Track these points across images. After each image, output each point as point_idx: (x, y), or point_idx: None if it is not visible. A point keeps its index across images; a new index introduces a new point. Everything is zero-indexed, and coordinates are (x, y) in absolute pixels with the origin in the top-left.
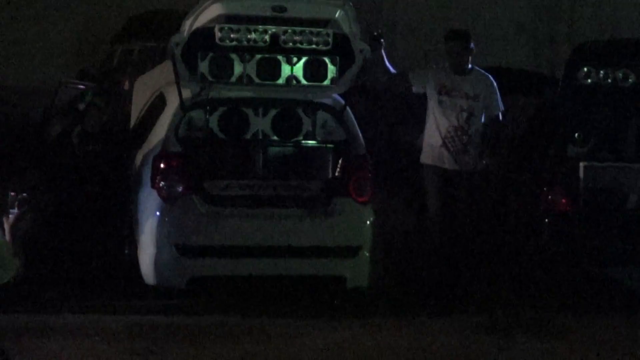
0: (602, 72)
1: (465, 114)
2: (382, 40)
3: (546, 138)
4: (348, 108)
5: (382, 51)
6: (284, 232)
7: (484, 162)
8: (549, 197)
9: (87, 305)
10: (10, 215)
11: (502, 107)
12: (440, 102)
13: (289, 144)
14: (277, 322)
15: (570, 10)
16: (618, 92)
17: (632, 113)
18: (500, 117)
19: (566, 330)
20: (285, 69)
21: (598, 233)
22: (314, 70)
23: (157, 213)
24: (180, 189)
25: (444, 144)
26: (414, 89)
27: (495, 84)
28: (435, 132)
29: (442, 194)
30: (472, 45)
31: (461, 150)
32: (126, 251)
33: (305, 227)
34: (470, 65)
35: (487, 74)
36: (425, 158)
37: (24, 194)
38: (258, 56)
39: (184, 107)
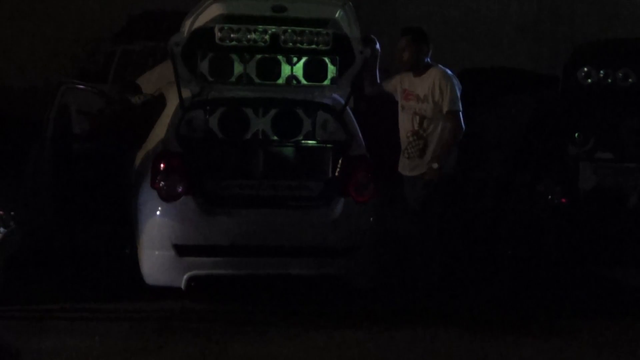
0: (602, 72)
1: (418, 118)
2: (377, 46)
3: (546, 138)
4: (348, 108)
5: (375, 62)
6: (283, 232)
7: (434, 166)
8: (549, 197)
9: (87, 305)
10: None
11: (455, 107)
12: (402, 107)
13: (289, 144)
14: (276, 322)
15: (571, 10)
16: (618, 92)
17: (632, 113)
18: (457, 118)
19: (567, 330)
20: (285, 69)
21: (598, 233)
22: (314, 70)
23: (157, 213)
24: (180, 189)
25: (405, 150)
26: (395, 98)
27: (449, 81)
28: (402, 138)
29: (411, 200)
30: (421, 42)
31: (417, 156)
32: (126, 251)
33: (305, 227)
34: (425, 65)
35: (444, 71)
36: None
37: (12, 213)
38: (258, 56)
39: (184, 107)
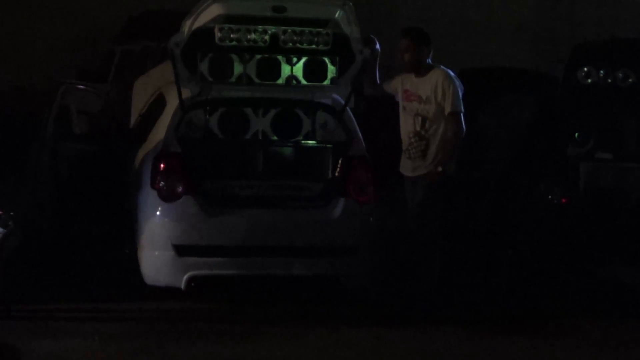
0: (602, 72)
1: (420, 119)
2: (377, 47)
3: (546, 138)
4: (348, 108)
5: (375, 62)
6: (283, 232)
7: (439, 169)
8: (549, 197)
9: (87, 306)
10: None
11: (456, 108)
12: (403, 108)
13: (289, 144)
14: (276, 322)
15: (570, 10)
16: (618, 92)
17: (632, 113)
18: (459, 119)
19: (567, 330)
20: (285, 69)
21: (598, 233)
22: (314, 70)
23: (157, 213)
24: (180, 189)
25: (407, 151)
26: (396, 98)
27: (452, 82)
28: (403, 138)
29: (412, 201)
30: (422, 43)
31: (419, 157)
32: (126, 251)
33: (305, 227)
34: (427, 66)
35: (446, 72)
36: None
37: (12, 213)
38: (258, 56)
39: (184, 107)
